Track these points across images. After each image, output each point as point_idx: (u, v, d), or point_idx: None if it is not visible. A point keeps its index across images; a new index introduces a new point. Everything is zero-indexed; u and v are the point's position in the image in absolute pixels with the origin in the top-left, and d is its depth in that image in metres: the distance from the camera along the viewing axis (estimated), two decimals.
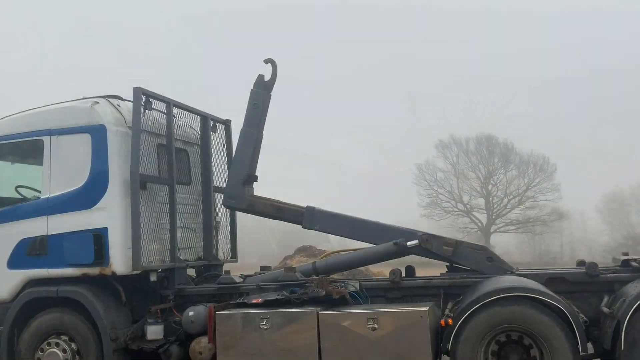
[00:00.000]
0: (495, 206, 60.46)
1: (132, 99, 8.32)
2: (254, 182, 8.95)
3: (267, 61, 8.85)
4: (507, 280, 7.13)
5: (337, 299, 7.54)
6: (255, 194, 8.91)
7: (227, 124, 10.42)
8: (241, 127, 9.01)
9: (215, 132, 10.09)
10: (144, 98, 8.43)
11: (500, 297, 6.69)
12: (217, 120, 10.14)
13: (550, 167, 58.56)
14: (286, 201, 8.85)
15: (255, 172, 8.94)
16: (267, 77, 8.94)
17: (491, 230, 58.59)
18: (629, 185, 68.56)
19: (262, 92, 8.90)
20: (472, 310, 6.71)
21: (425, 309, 6.95)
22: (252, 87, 8.96)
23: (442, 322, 6.77)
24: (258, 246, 76.69)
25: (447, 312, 7.19)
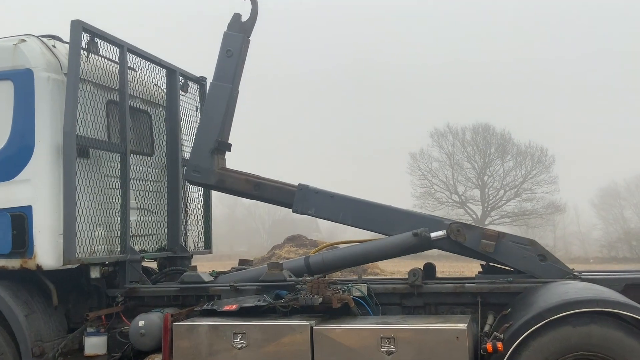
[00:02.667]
0: (490, 198, 59.07)
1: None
2: (226, 152, 6.95)
3: None
4: (576, 289, 5.15)
5: (337, 307, 5.57)
6: (227, 166, 6.91)
7: (201, 82, 8.42)
8: (211, 80, 7.01)
9: (186, 91, 8.12)
10: (86, 37, 6.38)
11: (572, 313, 4.74)
12: (188, 76, 8.13)
13: (548, 159, 57.31)
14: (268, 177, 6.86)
15: (227, 138, 6.94)
16: (244, 17, 6.93)
17: (486, 223, 56.95)
18: (623, 179, 67.62)
19: (238, 36, 6.88)
20: (531, 330, 4.76)
21: (463, 326, 4.99)
22: (225, 30, 6.93)
23: (489, 346, 4.80)
24: (247, 235, 75.12)
25: (487, 329, 5.24)
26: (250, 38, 6.96)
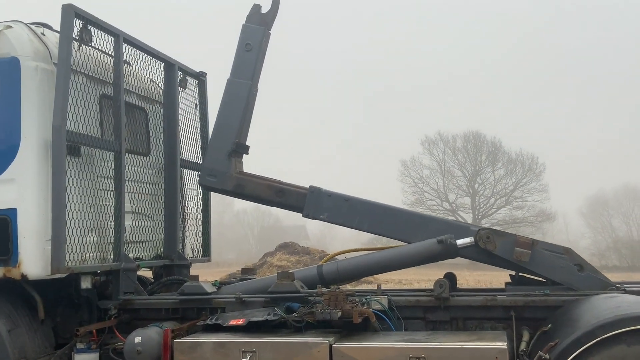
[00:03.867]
0: (481, 206, 58.93)
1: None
2: (244, 155, 6.42)
3: None
4: (628, 303, 4.62)
5: (357, 322, 5.02)
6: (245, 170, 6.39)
7: (201, 77, 7.88)
8: (228, 77, 6.46)
9: (184, 87, 7.58)
10: (79, 24, 5.82)
11: (629, 330, 4.23)
12: (187, 71, 7.58)
13: (539, 167, 57.35)
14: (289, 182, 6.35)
15: (246, 140, 6.42)
16: (265, 9, 6.43)
17: None
18: (611, 188, 67.84)
19: (258, 29, 6.35)
20: (582, 349, 4.25)
21: (503, 345, 4.47)
22: (244, 22, 6.42)
23: None
24: (235, 242, 74.32)
25: (524, 347, 4.72)
26: (270, 32, 6.45)
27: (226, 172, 6.21)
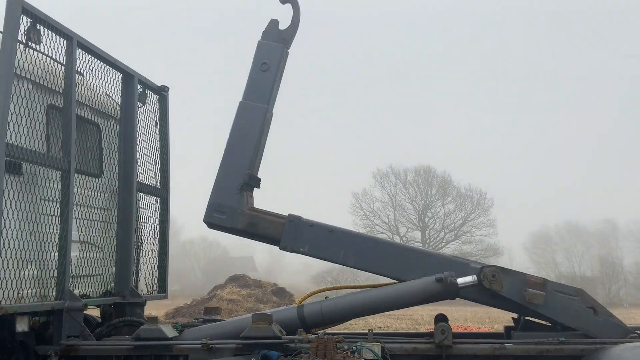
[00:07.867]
0: (431, 239, 59.14)
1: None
2: (255, 188, 5.78)
3: (284, 0, 5.77)
4: None
5: None
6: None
7: (162, 92, 7.12)
8: (240, 99, 5.81)
9: (144, 102, 6.82)
10: (26, 21, 5.01)
11: None
12: (148, 85, 6.81)
13: (487, 202, 58.14)
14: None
15: (257, 171, 5.75)
16: (283, 25, 5.85)
17: None
18: (555, 224, 69.31)
19: (276, 47, 5.76)
20: None
21: None
22: (259, 39, 5.84)
23: None
24: (181, 273, 72.09)
25: None
26: (289, 50, 5.86)
27: (237, 209, 5.50)
